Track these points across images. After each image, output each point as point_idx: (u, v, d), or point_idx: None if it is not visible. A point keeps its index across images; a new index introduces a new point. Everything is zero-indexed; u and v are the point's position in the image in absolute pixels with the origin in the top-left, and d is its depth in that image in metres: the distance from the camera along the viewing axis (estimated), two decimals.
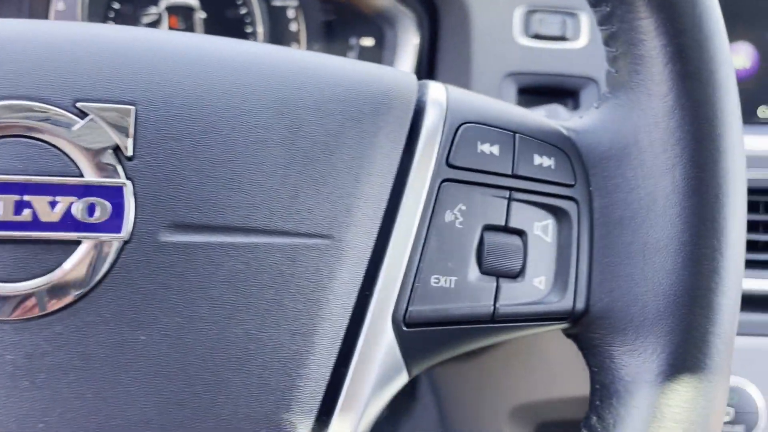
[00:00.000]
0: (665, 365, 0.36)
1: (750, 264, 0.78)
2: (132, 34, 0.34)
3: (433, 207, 0.36)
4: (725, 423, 0.72)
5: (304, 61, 0.36)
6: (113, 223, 0.31)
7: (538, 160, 0.38)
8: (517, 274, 0.37)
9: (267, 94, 0.33)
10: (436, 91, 0.39)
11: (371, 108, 0.36)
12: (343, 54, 0.96)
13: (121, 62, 0.32)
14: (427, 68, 0.93)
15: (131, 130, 0.31)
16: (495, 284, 0.37)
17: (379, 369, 0.35)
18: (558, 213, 0.38)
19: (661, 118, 0.37)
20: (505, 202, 0.37)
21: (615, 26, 0.38)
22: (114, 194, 0.31)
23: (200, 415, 0.32)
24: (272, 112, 0.33)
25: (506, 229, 0.37)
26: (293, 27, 0.95)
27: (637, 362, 0.37)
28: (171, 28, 0.93)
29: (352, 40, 0.96)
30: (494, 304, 0.36)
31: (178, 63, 0.33)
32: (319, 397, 0.33)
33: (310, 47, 0.96)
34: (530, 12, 0.84)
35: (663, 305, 0.36)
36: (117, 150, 0.31)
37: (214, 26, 0.93)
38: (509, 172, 0.38)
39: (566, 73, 0.83)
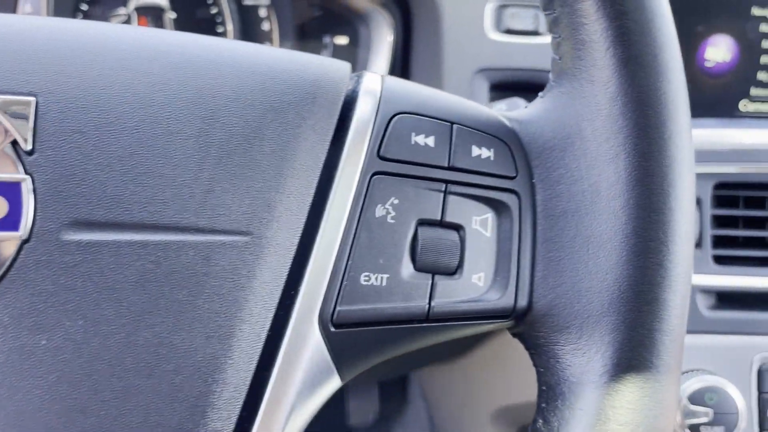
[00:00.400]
0: (610, 364, 0.34)
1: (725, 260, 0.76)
2: (36, 22, 0.32)
3: (363, 201, 0.34)
4: (704, 425, 0.70)
5: (223, 50, 0.34)
6: (10, 220, 0.29)
7: (476, 151, 0.36)
8: (454, 271, 0.35)
9: (179, 83, 0.32)
10: (371, 81, 0.37)
11: (295, 98, 0.34)
12: (317, 53, 0.95)
13: (21, 51, 0.30)
14: (401, 66, 0.92)
15: (31, 123, 0.30)
16: (430, 281, 0.35)
17: (305, 372, 0.33)
18: (498, 206, 0.37)
19: (604, 105, 0.35)
20: (441, 195, 0.36)
21: (557, 10, 0.37)
22: (11, 190, 0.29)
23: (107, 424, 0.30)
24: (185, 103, 0.32)
25: (442, 224, 0.36)
26: (265, 26, 0.94)
27: (582, 362, 0.35)
28: None
29: (326, 39, 0.95)
30: (429, 303, 0.35)
31: (83, 52, 0.31)
32: (239, 403, 0.32)
33: (282, 46, 0.94)
34: (502, 7, 0.82)
35: (607, 301, 0.34)
36: (15, 144, 0.29)
37: (185, 26, 0.92)
38: (445, 164, 0.36)
39: (539, 68, 0.81)
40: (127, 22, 0.91)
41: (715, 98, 0.93)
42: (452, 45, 0.81)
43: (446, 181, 0.36)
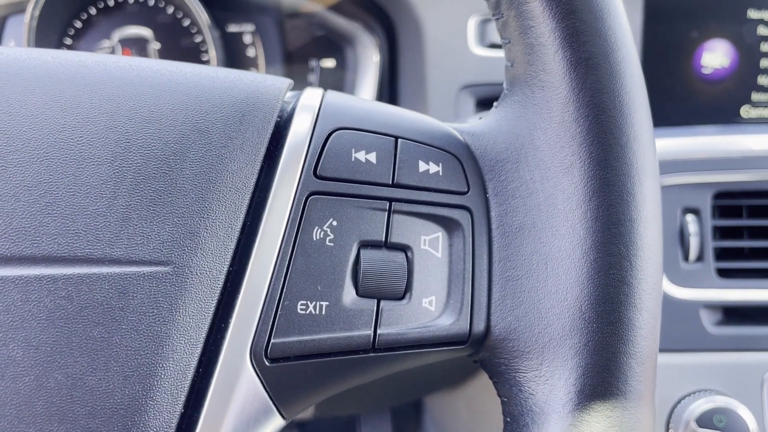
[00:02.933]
0: (573, 392, 0.31)
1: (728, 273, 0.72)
2: None
3: (299, 224, 0.32)
4: None
5: (144, 69, 0.32)
6: None
7: (423, 166, 0.34)
8: (401, 295, 0.33)
9: (92, 105, 0.30)
10: (309, 97, 0.35)
11: (221, 117, 0.32)
12: (304, 77, 0.93)
13: None
14: (389, 86, 0.90)
15: None
16: (375, 308, 0.32)
17: (239, 412, 0.30)
18: (449, 224, 0.34)
19: (556, 112, 0.33)
20: (385, 214, 0.33)
21: (505, 14, 0.34)
22: None
23: None
24: (98, 126, 0.30)
25: (387, 245, 0.33)
26: (251, 52, 0.93)
27: (544, 390, 0.32)
28: None
29: (313, 62, 0.94)
30: (374, 331, 0.32)
31: None
32: None
33: (269, 71, 0.93)
34: (485, 21, 0.80)
35: (568, 323, 0.32)
36: None
37: (169, 56, 0.91)
38: (389, 182, 0.33)
39: None
40: (112, 54, 0.91)
41: (715, 105, 0.90)
42: (436, 62, 0.80)
43: (390, 200, 0.33)
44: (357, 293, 0.32)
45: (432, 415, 1.12)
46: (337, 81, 0.94)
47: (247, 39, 0.93)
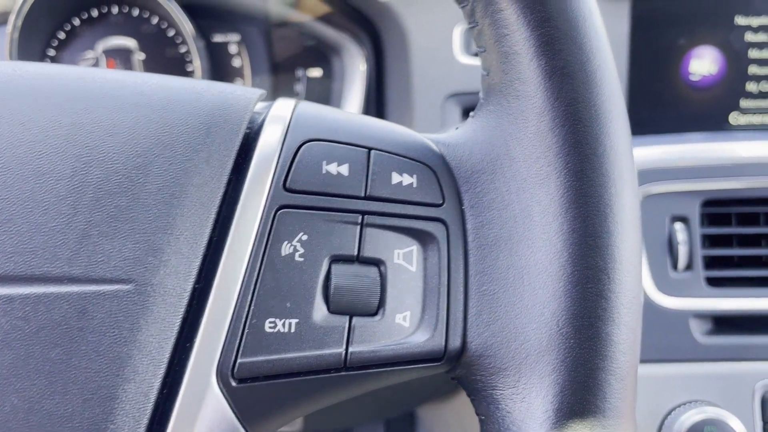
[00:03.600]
0: (551, 410, 0.30)
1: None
2: None
3: (268, 239, 0.31)
4: None
5: (107, 81, 0.31)
6: None
7: (397, 178, 0.33)
8: (374, 311, 0.32)
9: (51, 119, 0.29)
10: (280, 108, 0.34)
11: (186, 129, 0.31)
12: (291, 86, 0.93)
13: None
14: (376, 95, 0.90)
15: None
16: (347, 324, 0.31)
17: None
18: (423, 237, 0.33)
19: (531, 122, 0.32)
20: (357, 228, 0.32)
21: (480, 22, 0.34)
22: None
23: None
24: (58, 140, 0.29)
25: (360, 260, 0.32)
26: (236, 62, 0.92)
27: (522, 408, 0.31)
28: None
29: (299, 72, 0.93)
30: (346, 348, 0.31)
31: None
32: None
33: (255, 82, 0.93)
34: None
35: (545, 338, 0.31)
36: None
37: (154, 67, 0.90)
38: (361, 194, 0.33)
39: None
40: (96, 65, 0.90)
41: (704, 112, 0.89)
42: (421, 71, 0.79)
43: (363, 212, 0.32)
44: (328, 310, 0.31)
45: (425, 426, 1.11)
46: (324, 90, 0.93)
47: (233, 49, 0.92)
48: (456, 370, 0.34)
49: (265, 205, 0.31)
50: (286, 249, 0.31)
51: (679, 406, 0.68)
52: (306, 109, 0.35)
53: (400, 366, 0.32)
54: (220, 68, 0.92)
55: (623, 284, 0.31)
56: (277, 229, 0.31)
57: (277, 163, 0.32)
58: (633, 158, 0.33)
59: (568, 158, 0.31)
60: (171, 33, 0.90)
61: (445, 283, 0.33)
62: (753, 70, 0.88)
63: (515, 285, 0.32)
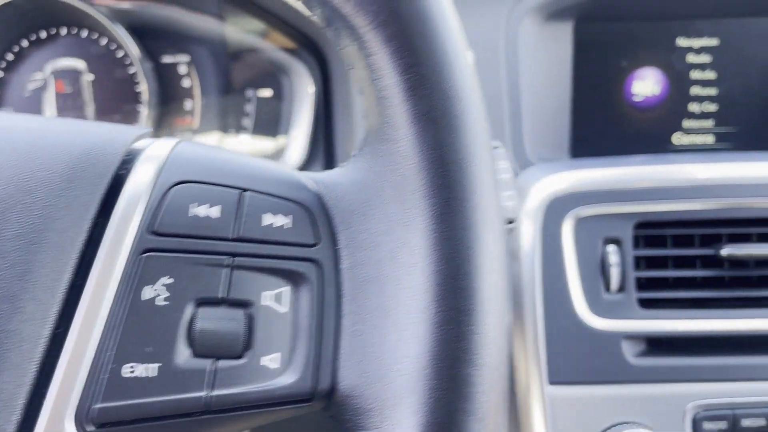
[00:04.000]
0: None
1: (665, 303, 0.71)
2: None
3: (131, 283, 0.31)
4: None
5: None
6: None
7: (269, 219, 0.34)
8: (239, 354, 0.32)
9: None
10: (156, 148, 0.35)
11: (50, 174, 0.31)
12: (241, 107, 0.93)
13: None
14: (324, 116, 0.90)
15: None
16: (211, 368, 0.32)
17: None
18: (295, 278, 0.34)
19: (399, 165, 0.33)
20: (225, 270, 0.33)
21: (355, 65, 0.34)
22: None
23: None
24: None
25: (227, 302, 0.33)
26: (186, 83, 0.93)
27: None
28: (58, 92, 0.90)
29: (249, 93, 0.93)
30: (209, 392, 0.31)
31: None
32: None
33: (205, 102, 0.93)
34: None
35: (409, 380, 0.31)
36: None
37: (103, 88, 0.91)
38: (231, 236, 0.33)
39: None
40: (45, 86, 0.90)
41: (647, 133, 0.91)
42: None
43: (231, 254, 0.33)
44: (193, 353, 0.32)
45: None
46: (274, 111, 0.93)
47: (182, 70, 0.93)
48: (330, 409, 0.34)
49: (130, 249, 0.32)
50: (147, 293, 0.31)
51: (610, 428, 0.69)
52: (184, 149, 0.35)
53: (267, 408, 0.33)
54: (169, 89, 0.93)
55: (483, 325, 0.31)
56: (141, 273, 0.31)
57: (147, 205, 0.32)
58: (497, 199, 0.33)
59: (431, 201, 0.31)
60: (120, 54, 0.90)
61: (316, 323, 0.33)
62: (695, 90, 0.90)
63: (382, 325, 0.32)
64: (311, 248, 0.34)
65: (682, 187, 0.71)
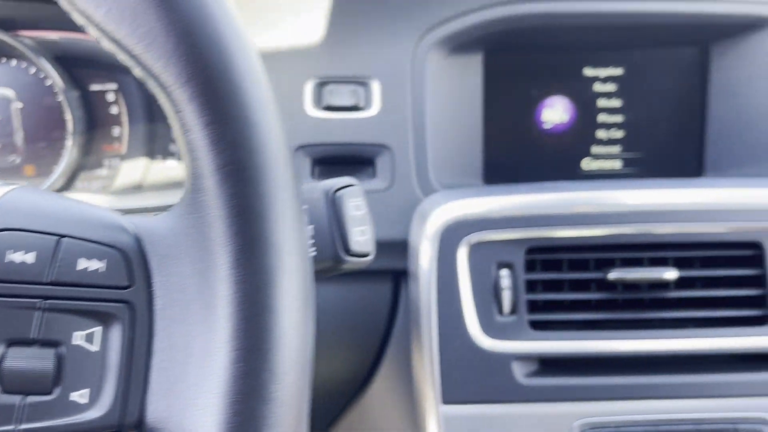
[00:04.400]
0: None
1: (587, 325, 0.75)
2: None
3: None
4: None
5: None
6: None
7: (84, 264, 0.37)
8: (49, 390, 0.35)
9: None
10: None
11: None
12: (167, 133, 0.96)
13: None
14: None
15: None
16: (21, 403, 0.34)
17: None
18: (107, 319, 0.37)
19: (206, 214, 0.36)
20: (38, 313, 0.36)
21: (168, 117, 0.38)
22: None
23: None
24: None
25: (38, 342, 0.35)
26: (114, 110, 0.96)
27: None
28: None
29: None
30: (17, 425, 0.34)
31: None
32: None
33: (132, 128, 0.96)
34: (321, 84, 0.84)
35: (205, 413, 0.34)
36: None
37: (32, 116, 0.94)
38: (45, 281, 0.36)
39: (360, 142, 0.83)
40: None
41: (557, 159, 0.94)
42: None
43: (45, 298, 0.36)
44: (2, 390, 0.34)
45: None
46: None
47: (110, 97, 0.96)
48: None
49: None
50: None
51: None
52: (13, 197, 0.38)
53: None
54: (98, 116, 0.95)
55: (274, 362, 0.34)
56: None
57: None
58: (298, 243, 0.36)
59: (228, 248, 0.35)
60: (48, 83, 0.93)
61: (125, 361, 0.36)
62: (602, 118, 0.94)
63: (187, 362, 0.35)
64: (124, 290, 0.37)
65: (569, 215, 0.75)
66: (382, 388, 0.86)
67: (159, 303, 0.37)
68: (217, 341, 0.34)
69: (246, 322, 0.34)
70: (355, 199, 0.50)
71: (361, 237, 0.50)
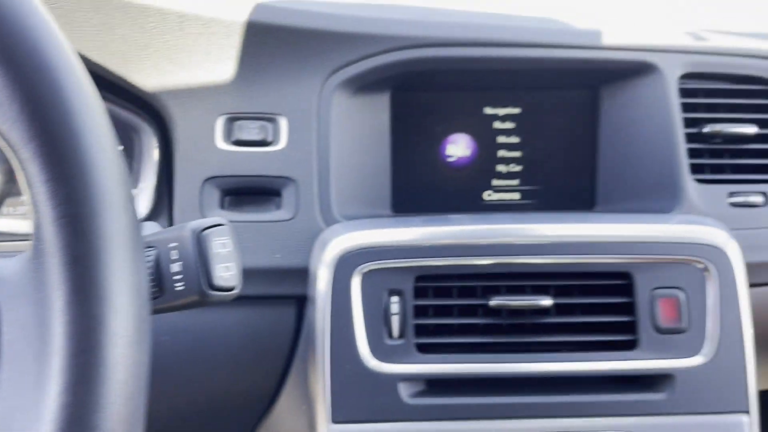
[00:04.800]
0: None
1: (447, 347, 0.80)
2: None
3: None
4: None
5: None
6: None
7: None
8: None
9: None
10: None
11: None
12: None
13: None
14: (167, 175, 0.98)
15: None
16: None
17: None
18: None
19: (46, 260, 0.40)
20: None
21: (16, 169, 0.42)
22: None
23: None
24: None
25: None
26: None
27: None
28: None
29: None
30: None
31: None
32: None
33: None
34: (231, 120, 0.89)
35: None
36: None
37: None
38: None
39: (266, 174, 0.88)
40: None
41: (461, 190, 1.00)
42: (184, 156, 0.88)
43: None
44: None
45: None
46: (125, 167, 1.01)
47: None
48: None
49: None
50: None
51: None
52: None
53: None
54: None
55: (100, 394, 0.39)
56: None
57: None
58: (125, 285, 0.41)
59: (60, 293, 0.40)
60: None
61: None
62: (502, 153, 1.00)
63: (23, 395, 0.40)
64: None
65: (453, 245, 0.81)
66: (286, 407, 0.90)
67: (5, 338, 0.42)
68: (49, 374, 0.39)
69: (74, 358, 0.39)
70: (221, 238, 0.55)
71: (226, 273, 0.55)
